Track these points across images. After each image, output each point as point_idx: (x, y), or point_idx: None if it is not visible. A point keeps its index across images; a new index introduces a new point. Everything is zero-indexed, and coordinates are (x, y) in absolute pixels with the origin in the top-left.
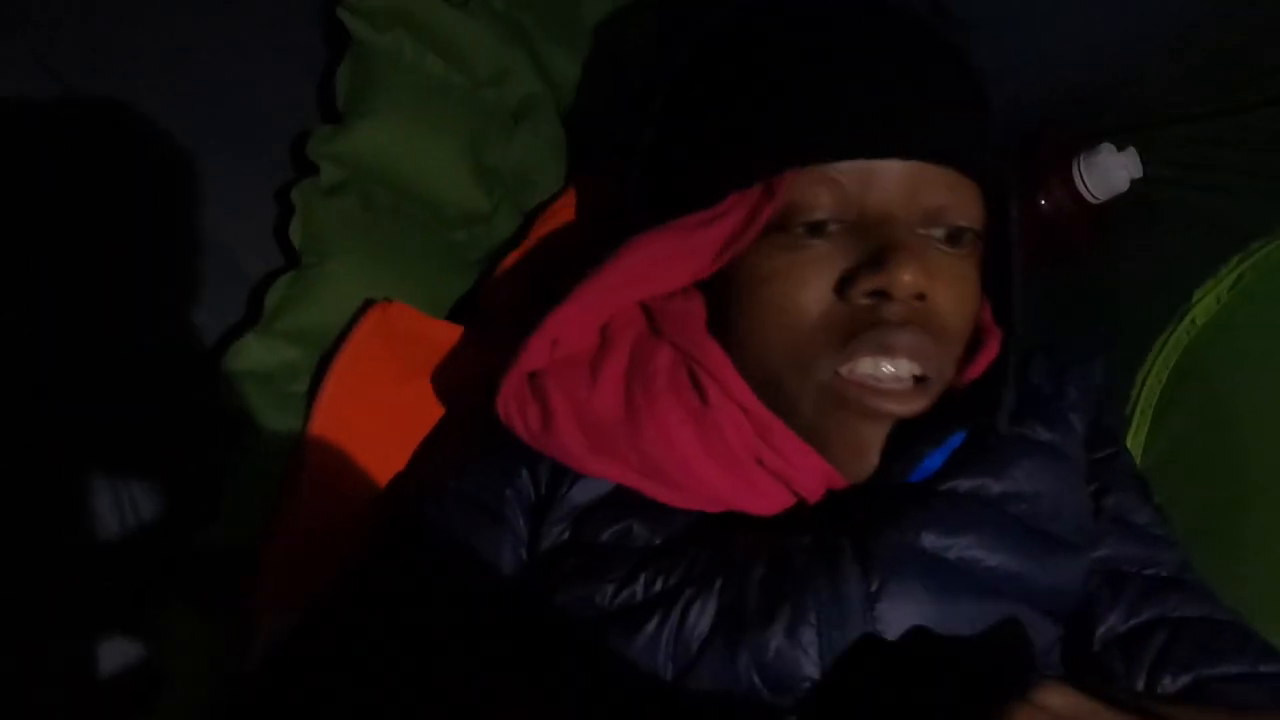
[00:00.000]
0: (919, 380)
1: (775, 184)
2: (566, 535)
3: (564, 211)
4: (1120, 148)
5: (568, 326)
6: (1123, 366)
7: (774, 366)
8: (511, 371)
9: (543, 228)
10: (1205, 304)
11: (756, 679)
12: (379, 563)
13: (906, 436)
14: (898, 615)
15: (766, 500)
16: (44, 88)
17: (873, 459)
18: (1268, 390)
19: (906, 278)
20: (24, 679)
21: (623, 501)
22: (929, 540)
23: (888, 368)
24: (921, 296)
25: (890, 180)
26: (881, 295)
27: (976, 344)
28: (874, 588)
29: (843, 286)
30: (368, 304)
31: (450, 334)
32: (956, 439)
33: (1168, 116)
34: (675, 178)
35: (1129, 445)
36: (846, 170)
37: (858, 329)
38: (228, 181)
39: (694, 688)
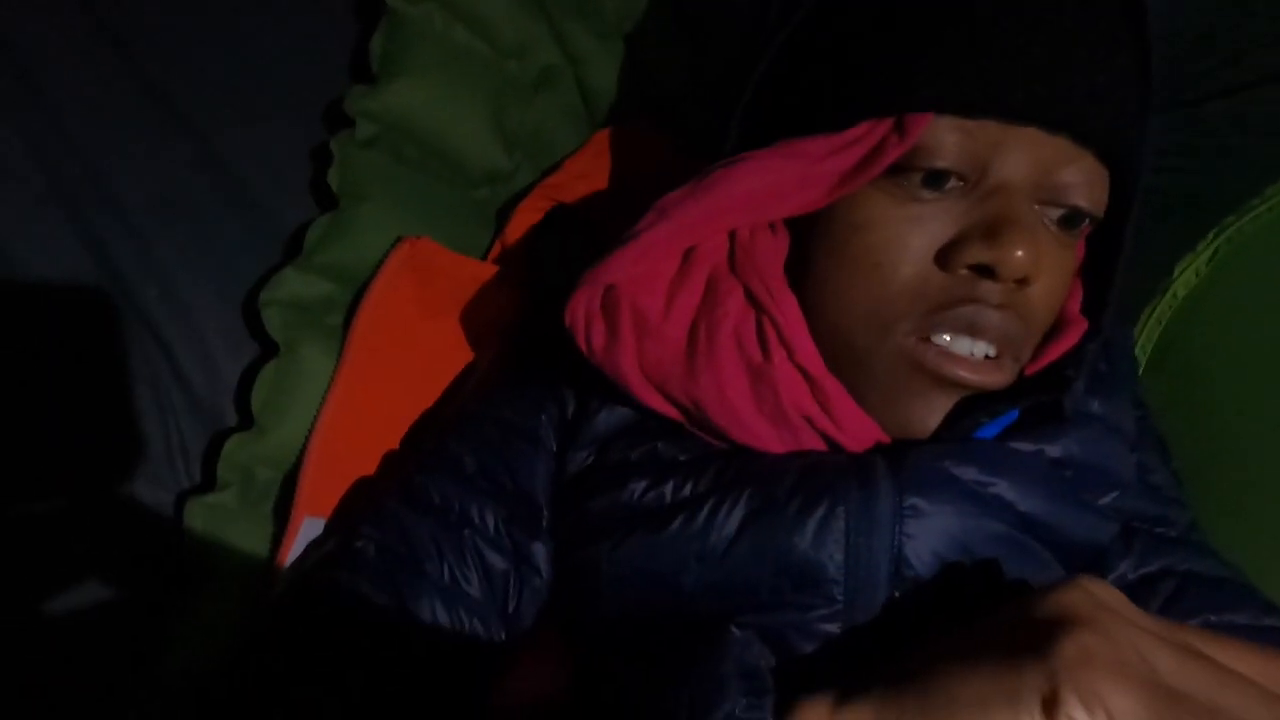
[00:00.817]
0: (997, 359)
1: (910, 122)
2: (592, 459)
3: (584, 160)
4: None
5: (655, 247)
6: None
7: (851, 320)
8: (586, 281)
9: (562, 174)
10: (1185, 278)
11: (782, 580)
12: (409, 491)
13: (963, 407)
14: (925, 532)
15: (814, 447)
16: (100, 56)
17: (932, 426)
18: (1241, 358)
19: (1020, 255)
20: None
21: (648, 428)
22: (966, 473)
23: (970, 346)
24: (1025, 280)
25: (1026, 149)
26: (985, 271)
27: (1054, 329)
28: (905, 503)
29: (947, 252)
30: (398, 241)
31: (475, 270)
32: (1010, 416)
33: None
34: (799, 98)
35: None
36: (985, 126)
37: (951, 302)
38: (271, 140)
39: (717, 585)
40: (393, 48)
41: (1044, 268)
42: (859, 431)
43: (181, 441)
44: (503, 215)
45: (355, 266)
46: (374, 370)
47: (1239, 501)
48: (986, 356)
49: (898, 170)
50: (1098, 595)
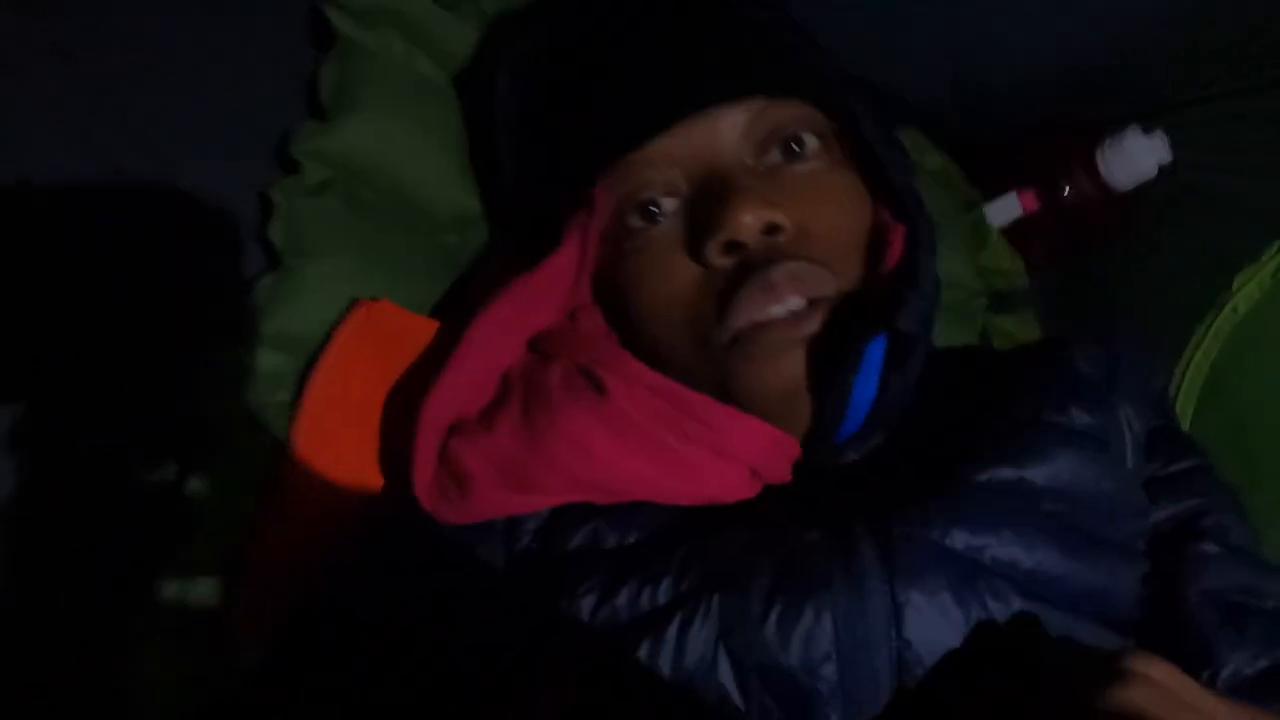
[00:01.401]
0: (813, 303)
1: (592, 197)
2: (533, 545)
3: None
4: (1147, 131)
5: (451, 402)
6: (1160, 362)
7: (677, 355)
8: (416, 469)
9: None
10: (1247, 291)
11: (770, 702)
12: (358, 581)
13: (829, 354)
14: (925, 630)
15: (722, 482)
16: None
17: (801, 401)
18: None
19: (746, 218)
20: None
21: (585, 505)
22: (960, 539)
23: (776, 308)
24: (775, 228)
25: (692, 140)
26: (733, 246)
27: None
28: (900, 599)
29: (697, 253)
30: (354, 304)
31: (431, 329)
32: (877, 354)
33: (1188, 98)
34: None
35: None
36: (649, 152)
37: (731, 288)
38: (210, 182)
39: (697, 712)
40: (347, 80)
41: (797, 199)
42: (743, 431)
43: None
44: (477, 262)
45: (305, 334)
46: (327, 456)
47: None
48: (794, 312)
49: (624, 228)
50: (1165, 684)
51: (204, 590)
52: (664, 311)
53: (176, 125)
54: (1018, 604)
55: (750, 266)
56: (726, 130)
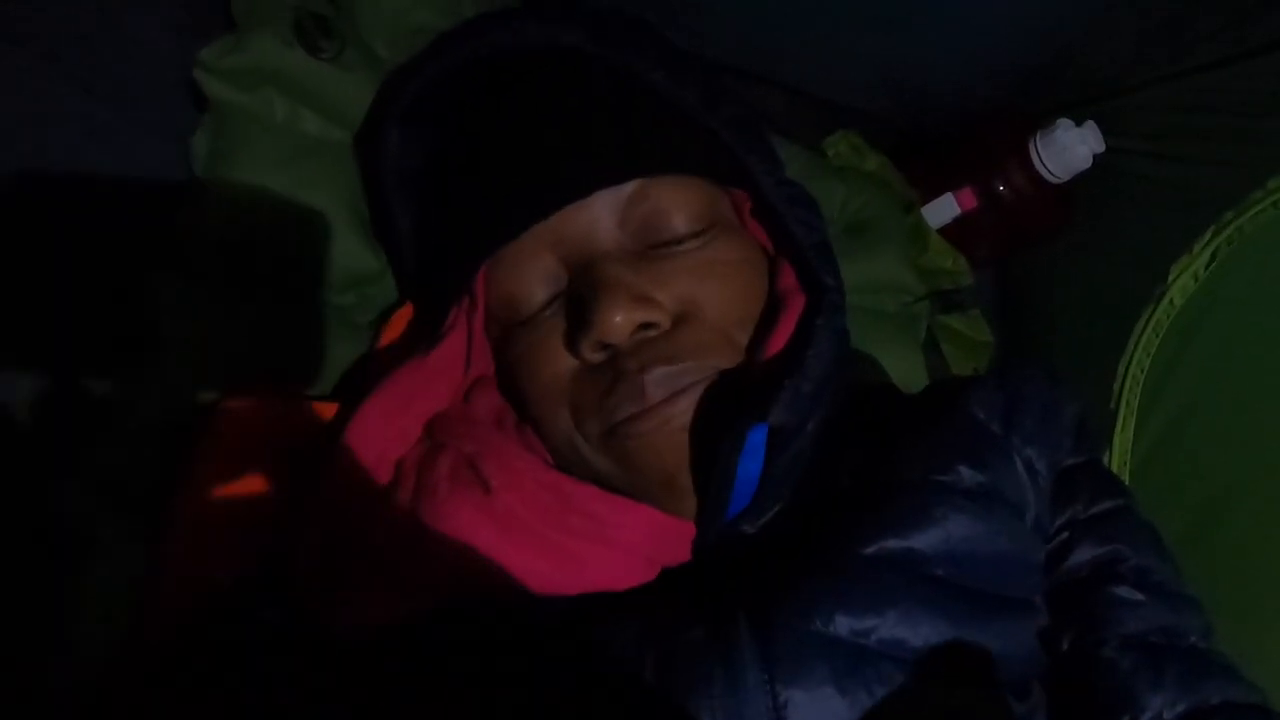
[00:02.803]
0: (691, 387)
1: (473, 287)
2: (424, 648)
3: None
4: (1078, 122)
5: (337, 500)
6: (1102, 357)
7: (560, 441)
8: (301, 568)
9: None
10: (1182, 283)
11: None
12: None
13: (711, 429)
14: None
15: (612, 572)
16: None
17: (685, 483)
18: (1256, 368)
19: (616, 319)
20: None
21: (478, 602)
22: (844, 625)
23: (663, 410)
24: (650, 325)
25: (569, 228)
26: (608, 345)
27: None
28: (780, 698)
29: (574, 348)
30: (215, 402)
31: (311, 412)
32: (759, 435)
33: (1122, 86)
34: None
35: (1115, 442)
36: (526, 241)
37: (608, 386)
38: (88, 264)
39: None
40: (220, 147)
41: (680, 284)
42: (628, 522)
43: None
44: (375, 322)
45: (182, 420)
46: (203, 557)
47: (1258, 528)
48: (669, 403)
49: (503, 311)
50: None
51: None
52: (545, 399)
53: (58, 208)
54: (914, 690)
55: (621, 370)
56: (603, 216)
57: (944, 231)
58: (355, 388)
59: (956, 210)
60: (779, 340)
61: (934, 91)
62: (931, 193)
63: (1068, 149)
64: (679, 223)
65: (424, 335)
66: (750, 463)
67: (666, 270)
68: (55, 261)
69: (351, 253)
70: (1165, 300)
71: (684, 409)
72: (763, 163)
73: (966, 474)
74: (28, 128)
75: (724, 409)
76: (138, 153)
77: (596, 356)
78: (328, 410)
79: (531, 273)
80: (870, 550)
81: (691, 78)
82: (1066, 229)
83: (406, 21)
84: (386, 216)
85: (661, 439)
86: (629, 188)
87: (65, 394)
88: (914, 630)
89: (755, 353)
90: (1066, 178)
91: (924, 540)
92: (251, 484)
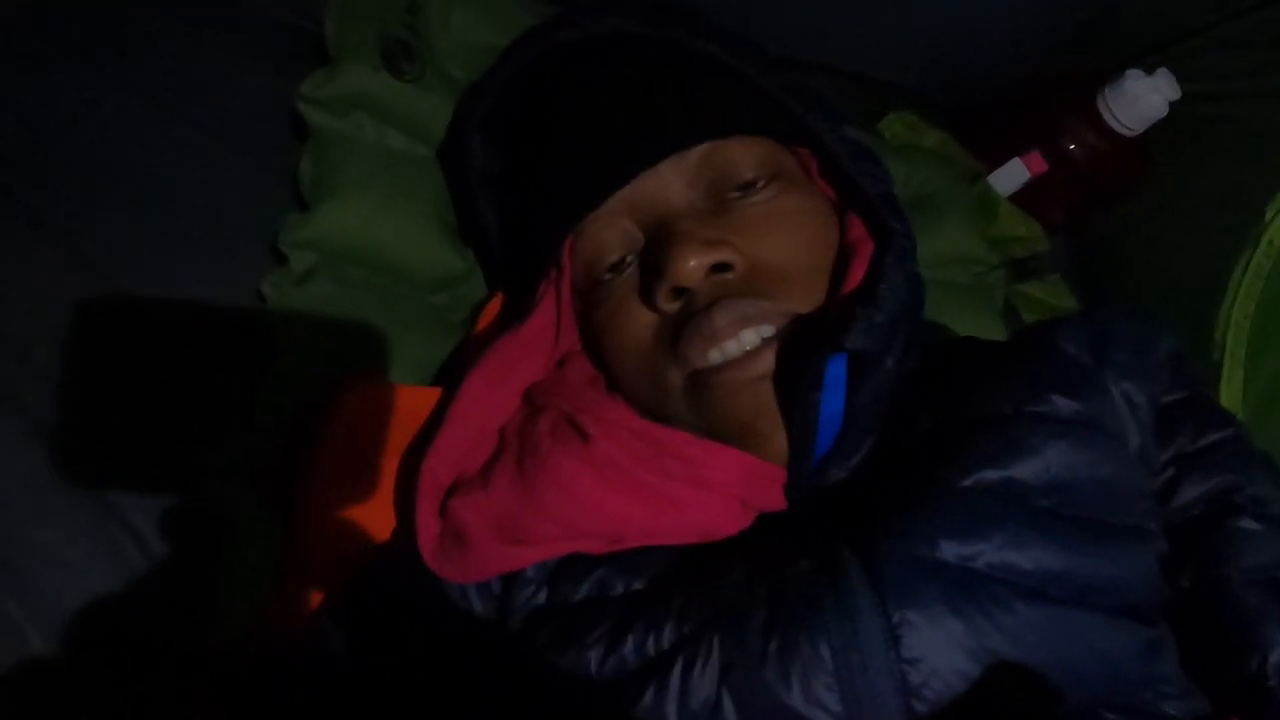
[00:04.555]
0: (766, 339)
1: (559, 257)
2: (542, 598)
3: None
4: (1149, 71)
5: (447, 462)
6: (1196, 308)
7: (645, 397)
8: (419, 529)
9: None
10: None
11: None
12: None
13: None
14: (928, 652)
15: (710, 515)
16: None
17: (768, 427)
18: None
19: (689, 263)
20: None
21: (589, 555)
22: (950, 550)
23: (729, 346)
24: (724, 266)
25: (642, 194)
26: (680, 292)
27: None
28: (894, 619)
29: (648, 297)
30: (335, 386)
31: (424, 398)
32: (837, 371)
33: (1186, 30)
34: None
35: (1223, 392)
36: (604, 210)
37: (679, 328)
38: (209, 283)
39: None
40: (322, 168)
41: (749, 233)
42: (722, 463)
43: None
44: (467, 320)
45: (305, 411)
46: (332, 532)
47: None
48: (747, 351)
49: (587, 278)
50: None
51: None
52: (626, 357)
53: (164, 235)
54: (1020, 608)
55: (691, 310)
56: (672, 180)
57: (1014, 198)
58: (454, 375)
59: (1026, 175)
60: (852, 282)
61: (986, 62)
62: (997, 162)
63: (1140, 99)
64: (745, 179)
65: (513, 317)
66: (832, 400)
67: (736, 221)
68: (186, 278)
69: (441, 256)
70: (1264, 242)
71: (762, 361)
72: (824, 120)
73: (1061, 403)
74: (148, 160)
75: (802, 352)
76: (238, 177)
77: (671, 305)
78: (431, 395)
79: (611, 238)
80: (968, 482)
81: (745, 50)
82: (1143, 182)
83: (474, 41)
84: (473, 215)
85: (740, 387)
86: (695, 151)
87: (206, 392)
88: (1023, 553)
89: (830, 299)
90: (1141, 129)
91: (1023, 470)
92: (369, 463)
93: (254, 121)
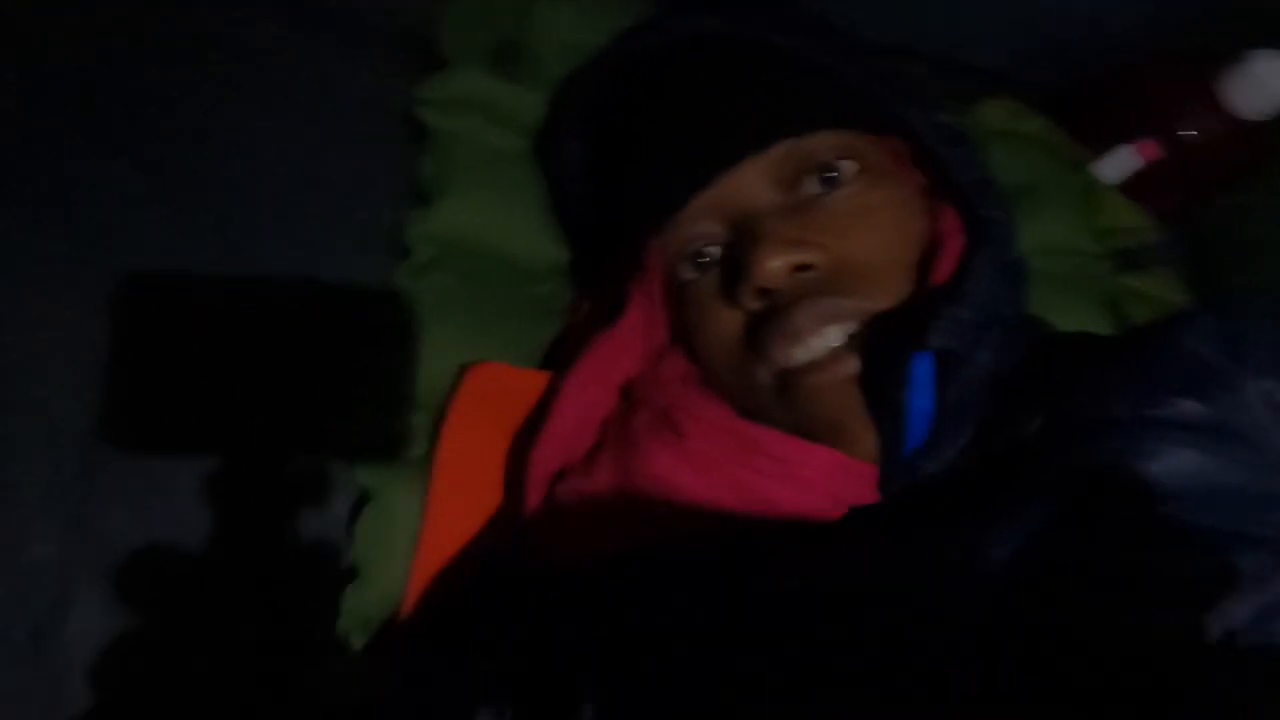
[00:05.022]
0: (851, 336)
1: (644, 259)
2: (645, 583)
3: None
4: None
5: (554, 452)
6: None
7: (736, 393)
8: (527, 513)
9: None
10: None
11: None
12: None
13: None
14: None
15: (801, 509)
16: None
17: (856, 426)
18: None
19: (771, 265)
20: None
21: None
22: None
23: (813, 343)
24: (805, 267)
25: (725, 193)
26: (764, 293)
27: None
28: None
29: (735, 301)
30: (462, 369)
31: (538, 381)
32: (924, 368)
33: None
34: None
35: None
36: (687, 210)
37: (763, 325)
38: (343, 273)
39: None
40: (440, 167)
41: (832, 230)
42: (814, 461)
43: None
44: (571, 305)
45: (430, 393)
46: (462, 505)
47: None
48: (833, 349)
49: (675, 277)
50: None
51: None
52: (715, 355)
53: (304, 231)
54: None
55: (775, 308)
56: (754, 179)
57: (1122, 187)
58: (558, 361)
59: (1137, 163)
60: (940, 275)
61: (1094, 44)
62: (1104, 149)
63: (1268, 82)
64: (828, 175)
65: (609, 312)
66: (922, 396)
67: (820, 218)
68: (326, 269)
69: (546, 248)
70: None
71: (847, 363)
72: (915, 106)
73: (1186, 407)
74: (282, 162)
75: (888, 349)
76: (358, 175)
77: (756, 304)
78: (541, 378)
79: (696, 238)
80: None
81: (831, 40)
82: (1264, 170)
83: (573, 41)
84: (568, 213)
85: (826, 387)
86: (776, 150)
87: (350, 376)
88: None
89: (917, 292)
90: (1267, 113)
91: (1154, 464)
92: (490, 440)
93: (367, 122)
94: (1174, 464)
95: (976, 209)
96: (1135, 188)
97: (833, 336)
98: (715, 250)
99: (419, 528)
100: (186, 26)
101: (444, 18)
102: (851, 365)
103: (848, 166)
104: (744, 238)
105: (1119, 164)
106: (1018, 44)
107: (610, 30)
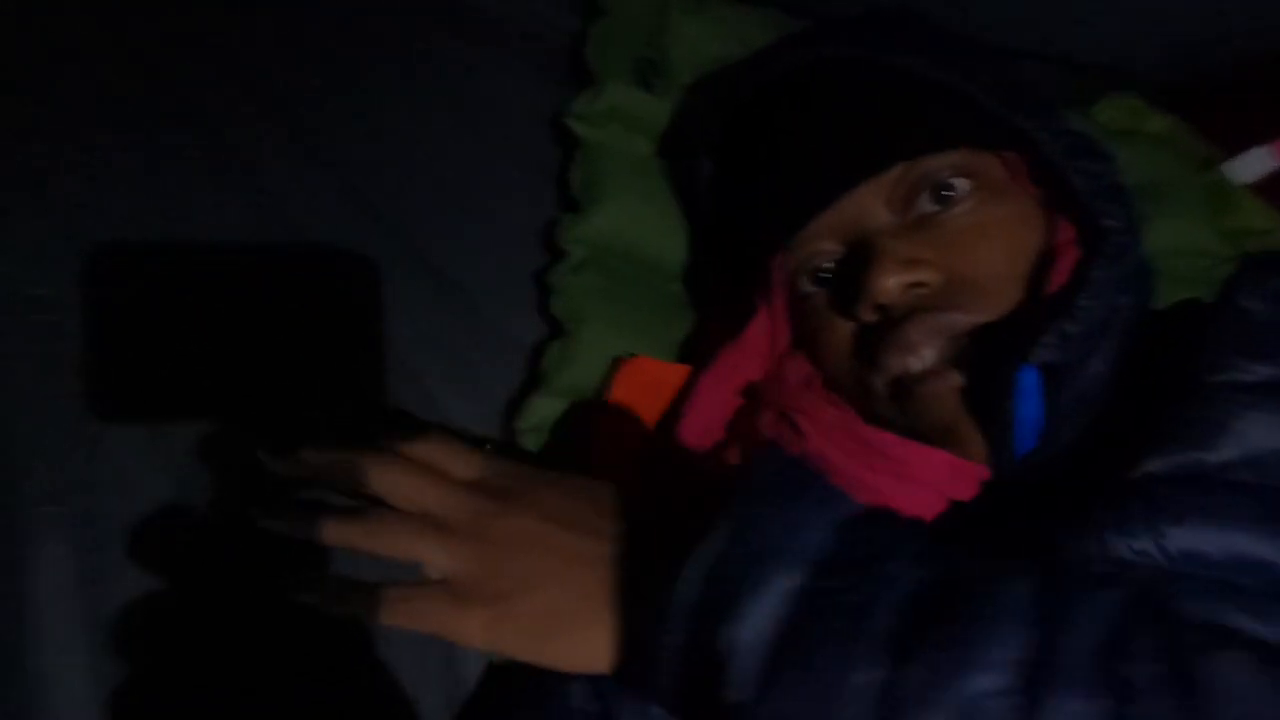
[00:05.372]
0: (964, 349)
1: (769, 275)
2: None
3: None
4: None
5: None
6: None
7: (853, 398)
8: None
9: None
10: None
11: None
12: None
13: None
14: None
15: (911, 505)
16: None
17: (966, 432)
18: None
19: (888, 282)
20: None
21: None
22: (1121, 547)
23: (926, 354)
24: (919, 283)
25: (842, 214)
26: (880, 308)
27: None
28: None
29: (851, 312)
30: (615, 361)
31: (680, 374)
32: (1030, 378)
33: None
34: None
35: None
36: (807, 231)
37: (879, 339)
38: (499, 270)
39: None
40: (589, 175)
41: (946, 248)
42: (924, 463)
43: None
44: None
45: (586, 385)
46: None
47: None
48: (944, 360)
49: (795, 291)
50: None
51: None
52: (833, 363)
53: (472, 233)
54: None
55: (890, 322)
56: (871, 201)
57: (1258, 188)
58: (695, 354)
59: (1272, 163)
60: (1053, 287)
61: (1228, 38)
62: (1235, 148)
63: None
64: (944, 194)
65: (737, 316)
66: (1029, 406)
67: (934, 235)
68: (489, 268)
69: (682, 249)
70: None
71: (956, 367)
72: (1033, 118)
73: (1250, 367)
74: (453, 169)
75: (997, 360)
76: (517, 180)
77: (872, 318)
78: (681, 371)
79: (815, 255)
80: (1157, 466)
81: (951, 55)
82: None
83: (704, 53)
84: (697, 222)
85: (937, 396)
86: (892, 172)
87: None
88: (1210, 540)
89: (1030, 301)
90: None
91: (1210, 448)
92: (639, 428)
93: (524, 130)
94: (1242, 428)
95: (1096, 220)
96: (1270, 189)
97: (944, 348)
98: (831, 266)
99: None
100: (358, 37)
101: (589, 33)
102: (961, 376)
103: (962, 184)
104: (861, 255)
105: (1253, 164)
106: (1142, 40)
107: (744, 42)
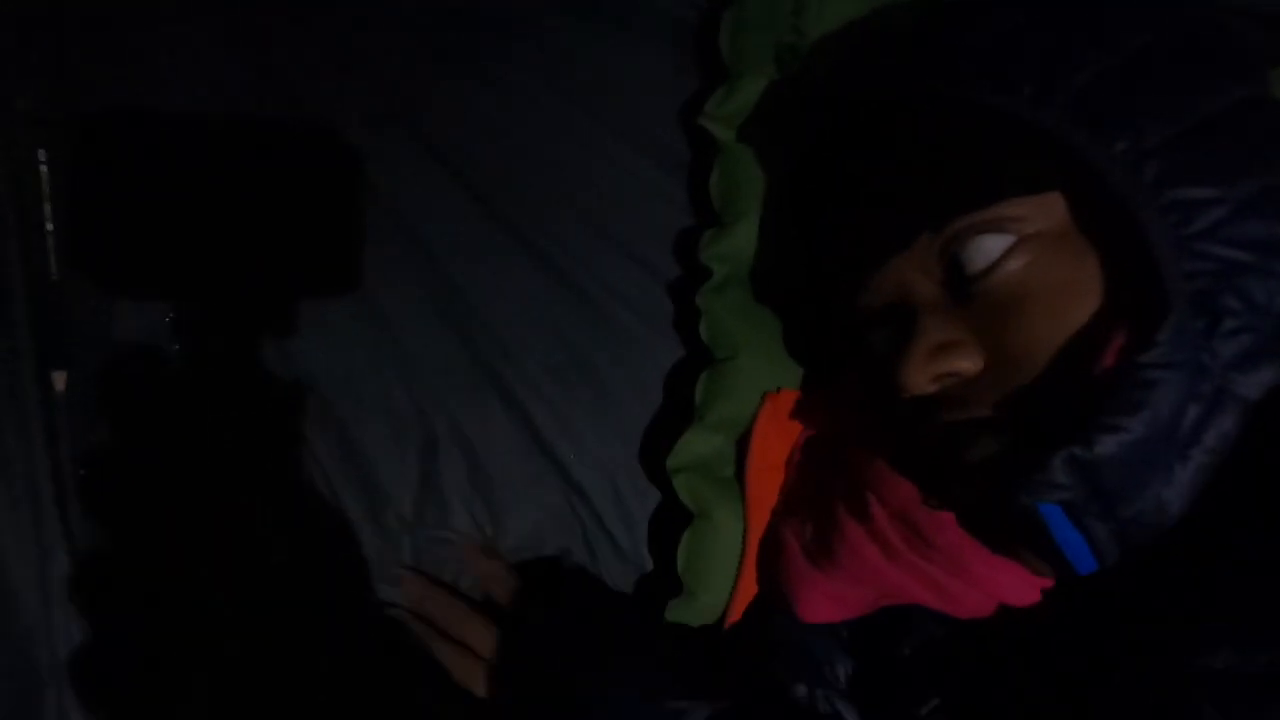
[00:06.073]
0: (1005, 443)
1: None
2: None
3: None
4: None
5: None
6: None
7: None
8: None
9: None
10: None
11: None
12: None
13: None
14: None
15: (971, 607)
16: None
17: (1023, 552)
18: None
19: (916, 378)
20: None
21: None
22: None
23: (968, 453)
24: (954, 372)
25: (884, 286)
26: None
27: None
28: None
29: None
30: (765, 396)
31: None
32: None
33: None
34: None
35: None
36: (859, 293)
37: (920, 419)
38: (642, 291)
39: None
40: (728, 184)
41: (985, 328)
42: (987, 571)
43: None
44: None
45: (738, 419)
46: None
47: None
48: (984, 458)
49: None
50: None
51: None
52: (887, 423)
53: (604, 237)
54: None
55: (924, 410)
56: (907, 272)
57: None
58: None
59: None
60: (1108, 361)
61: None
62: None
63: None
64: (986, 258)
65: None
66: (1065, 530)
67: (979, 307)
68: (624, 277)
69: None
70: None
71: (997, 473)
72: (1124, 137)
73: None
74: (580, 165)
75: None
76: (647, 177)
77: (908, 396)
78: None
79: (866, 311)
80: (1211, 663)
81: (1027, 69)
82: None
83: (851, 36)
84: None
85: (983, 504)
86: (940, 236)
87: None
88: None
89: (1079, 380)
90: None
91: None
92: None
93: (655, 122)
94: None
95: (1166, 285)
96: None
97: (985, 445)
98: (880, 332)
99: (738, 551)
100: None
101: (721, 19)
102: (1001, 482)
103: (999, 243)
104: (902, 332)
105: None
106: None
107: (887, 22)
